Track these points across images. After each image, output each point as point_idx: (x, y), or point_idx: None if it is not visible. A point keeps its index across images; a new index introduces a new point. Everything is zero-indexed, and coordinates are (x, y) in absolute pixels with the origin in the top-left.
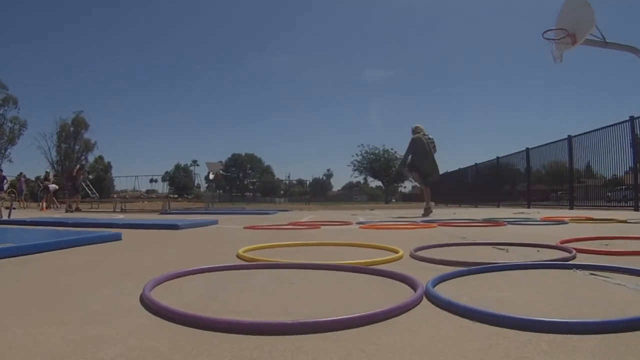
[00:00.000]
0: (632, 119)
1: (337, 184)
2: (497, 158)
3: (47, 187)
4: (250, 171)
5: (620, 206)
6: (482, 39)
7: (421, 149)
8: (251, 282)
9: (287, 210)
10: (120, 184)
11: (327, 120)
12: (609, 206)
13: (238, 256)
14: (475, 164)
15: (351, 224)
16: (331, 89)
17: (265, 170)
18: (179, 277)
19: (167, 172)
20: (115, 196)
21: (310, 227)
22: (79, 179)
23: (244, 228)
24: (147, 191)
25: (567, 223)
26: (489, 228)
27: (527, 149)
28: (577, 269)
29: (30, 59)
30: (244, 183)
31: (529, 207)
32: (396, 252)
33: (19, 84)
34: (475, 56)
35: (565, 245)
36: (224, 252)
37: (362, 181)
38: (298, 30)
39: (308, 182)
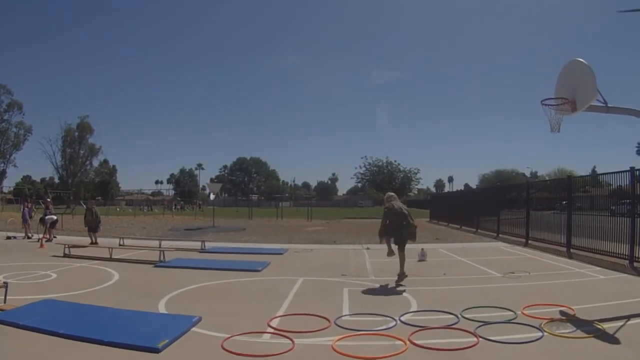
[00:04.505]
0: (632, 169)
1: (342, 188)
2: (498, 185)
3: (43, 218)
4: (255, 175)
5: (620, 255)
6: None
7: (395, 215)
8: None
9: (281, 253)
10: (125, 185)
11: (333, 124)
12: (608, 254)
13: None
14: (477, 186)
15: (329, 325)
16: (338, 91)
17: (271, 174)
18: None
19: (172, 175)
20: (120, 199)
21: (284, 336)
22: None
23: (222, 347)
24: (153, 193)
25: (543, 335)
26: (454, 355)
27: (527, 181)
28: None
29: (35, 64)
30: (249, 187)
31: (526, 245)
32: None
33: (24, 89)
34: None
35: None
36: None
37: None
38: (305, 32)
39: (313, 186)
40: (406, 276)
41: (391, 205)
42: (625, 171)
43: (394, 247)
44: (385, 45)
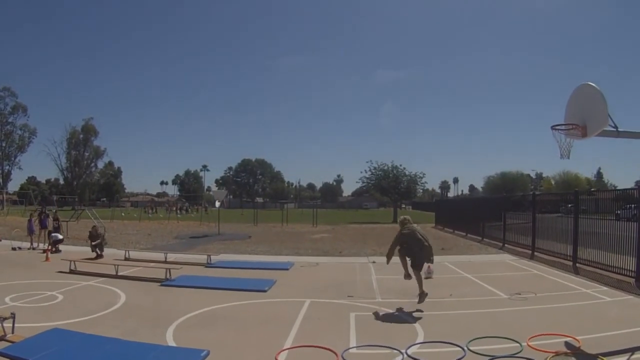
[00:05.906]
0: (638, 184)
1: (347, 189)
2: (504, 194)
3: (49, 235)
4: (260, 176)
5: (626, 271)
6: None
7: (413, 239)
8: None
9: (287, 268)
10: (130, 187)
11: (338, 125)
12: (614, 270)
13: None
14: (482, 188)
15: (337, 359)
16: (342, 91)
17: (276, 175)
18: None
19: (177, 176)
20: (126, 200)
21: None
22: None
23: None
24: (158, 194)
25: None
26: None
27: (534, 193)
28: None
29: (40, 67)
30: (255, 188)
31: (532, 257)
32: None
33: (28, 92)
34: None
35: None
36: None
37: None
38: (310, 32)
39: (318, 188)
40: (427, 294)
41: (409, 229)
42: (632, 189)
43: (410, 268)
44: (390, 46)
